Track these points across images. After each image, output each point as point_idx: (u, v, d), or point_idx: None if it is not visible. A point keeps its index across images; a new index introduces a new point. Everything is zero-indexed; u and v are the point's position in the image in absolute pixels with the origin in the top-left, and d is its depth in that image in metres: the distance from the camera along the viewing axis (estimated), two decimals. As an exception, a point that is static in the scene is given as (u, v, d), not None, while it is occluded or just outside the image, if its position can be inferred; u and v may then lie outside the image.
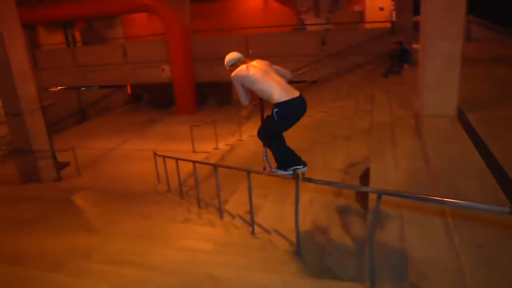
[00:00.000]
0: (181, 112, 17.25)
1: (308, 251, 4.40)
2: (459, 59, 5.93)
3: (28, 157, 9.90)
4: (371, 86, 10.85)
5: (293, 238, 4.52)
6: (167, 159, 8.43)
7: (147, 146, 12.03)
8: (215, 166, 6.36)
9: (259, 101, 4.24)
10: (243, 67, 3.94)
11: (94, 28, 22.98)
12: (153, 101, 19.96)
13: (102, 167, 11.48)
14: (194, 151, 11.31)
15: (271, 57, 15.28)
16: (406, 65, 11.02)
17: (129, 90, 21.23)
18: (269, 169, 4.32)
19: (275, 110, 3.76)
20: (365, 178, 5.52)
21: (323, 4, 19.88)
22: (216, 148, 11.11)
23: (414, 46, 11.52)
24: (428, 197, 3.20)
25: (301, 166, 4.08)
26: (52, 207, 7.50)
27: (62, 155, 10.54)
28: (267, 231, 5.22)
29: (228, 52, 4.15)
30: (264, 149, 4.27)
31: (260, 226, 5.36)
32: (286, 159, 4.11)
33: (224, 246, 5.05)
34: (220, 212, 6.23)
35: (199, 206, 6.97)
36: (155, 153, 9.14)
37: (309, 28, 19.31)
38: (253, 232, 5.24)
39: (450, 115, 6.13)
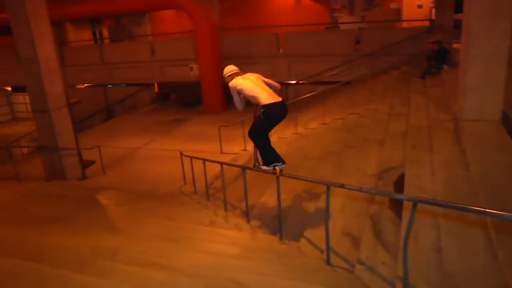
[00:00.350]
0: (209, 112, 17.16)
1: (338, 259, 4.23)
2: (505, 61, 5.51)
3: (54, 154, 9.95)
4: (407, 87, 10.45)
5: (322, 245, 4.35)
6: (193, 160, 8.32)
7: (174, 146, 12.01)
8: (244, 168, 6.17)
9: (254, 107, 5.20)
10: (238, 78, 4.93)
11: (122, 25, 23.27)
12: (181, 100, 19.79)
13: (128, 166, 11.48)
14: (221, 152, 11.22)
15: (303, 57, 15.05)
16: (445, 66, 10.57)
17: (156, 89, 21.22)
18: (257, 165, 5.32)
19: (262, 111, 4.72)
20: (399, 184, 5.28)
21: (357, 2, 19.49)
22: (244, 150, 10.93)
23: (455, 46, 11.03)
24: (468, 207, 3.02)
25: (281, 163, 5.02)
26: (76, 205, 7.54)
27: (87, 153, 10.57)
28: (295, 237, 5.06)
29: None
30: (255, 150, 5.30)
31: (288, 231, 5.21)
32: (270, 157, 5.01)
33: (251, 251, 4.95)
34: (247, 215, 6.08)
35: (225, 209, 6.83)
36: (181, 153, 9.06)
37: (342, 26, 18.86)
38: (281, 238, 5.11)
39: (493, 119, 5.74)
